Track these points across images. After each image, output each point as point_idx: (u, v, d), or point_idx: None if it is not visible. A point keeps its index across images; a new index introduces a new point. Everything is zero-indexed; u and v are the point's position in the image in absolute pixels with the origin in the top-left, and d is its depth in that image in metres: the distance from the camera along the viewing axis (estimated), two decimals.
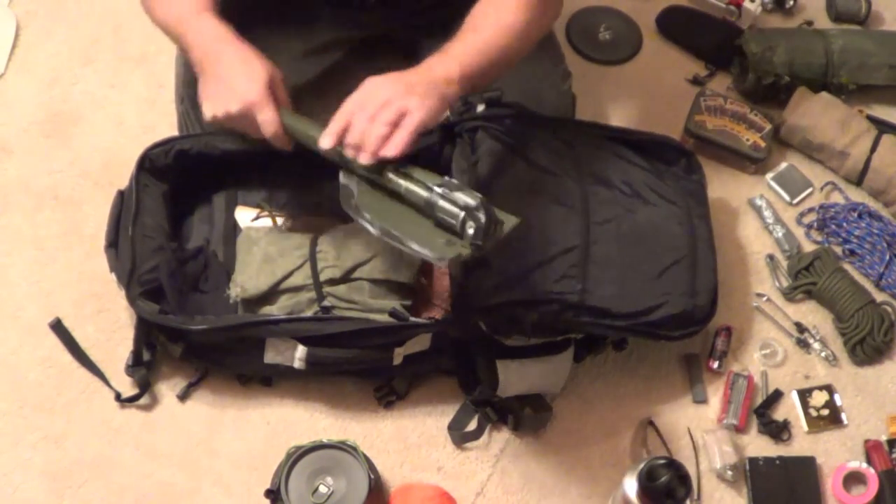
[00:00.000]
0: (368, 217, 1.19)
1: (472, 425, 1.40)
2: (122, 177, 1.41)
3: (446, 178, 1.19)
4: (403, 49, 1.65)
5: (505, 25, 1.28)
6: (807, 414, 1.46)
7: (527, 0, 1.30)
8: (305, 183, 1.48)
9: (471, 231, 1.14)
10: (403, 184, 1.20)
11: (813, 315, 1.55)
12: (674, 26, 1.83)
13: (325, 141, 1.21)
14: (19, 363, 1.39)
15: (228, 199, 1.46)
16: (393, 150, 1.16)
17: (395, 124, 1.17)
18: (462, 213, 1.15)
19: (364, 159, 1.18)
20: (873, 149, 1.64)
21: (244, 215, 1.45)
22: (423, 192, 1.18)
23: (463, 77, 1.23)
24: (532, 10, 1.30)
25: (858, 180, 1.67)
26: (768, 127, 1.67)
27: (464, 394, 1.41)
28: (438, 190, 1.17)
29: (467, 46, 1.26)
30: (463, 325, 1.30)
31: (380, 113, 1.17)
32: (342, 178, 1.25)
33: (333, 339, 1.30)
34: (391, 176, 1.21)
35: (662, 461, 1.21)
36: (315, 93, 1.62)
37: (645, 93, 1.75)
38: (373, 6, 1.52)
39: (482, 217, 1.14)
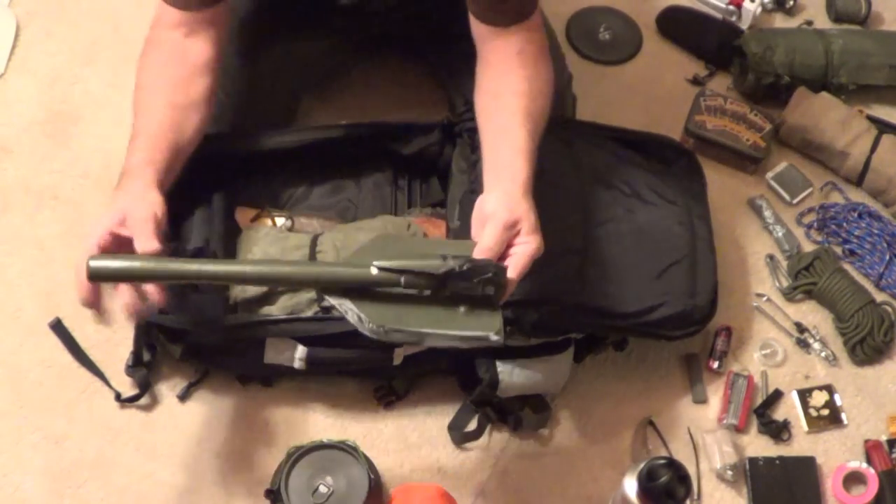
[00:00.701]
0: (409, 330, 1.09)
1: (472, 425, 1.40)
2: None
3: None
4: (406, 49, 1.65)
5: (525, 103, 1.22)
6: (807, 414, 1.46)
7: (522, 61, 1.24)
8: (305, 183, 1.48)
9: (490, 290, 1.09)
10: (405, 262, 1.10)
11: (813, 315, 1.55)
12: (674, 26, 1.83)
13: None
14: (19, 363, 1.39)
15: (228, 199, 1.46)
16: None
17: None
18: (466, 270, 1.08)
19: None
20: (873, 149, 1.64)
21: (244, 215, 1.45)
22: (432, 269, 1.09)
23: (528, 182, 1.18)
24: (532, 66, 1.25)
25: (858, 180, 1.67)
26: (768, 127, 1.67)
27: (464, 394, 1.41)
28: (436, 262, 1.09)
29: (521, 161, 1.18)
30: None
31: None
32: (338, 306, 1.11)
33: (333, 339, 1.30)
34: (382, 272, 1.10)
35: (662, 461, 1.21)
36: (318, 94, 1.62)
37: (645, 93, 1.75)
38: (376, 10, 1.52)
39: (476, 268, 1.09)
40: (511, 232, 1.12)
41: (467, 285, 1.09)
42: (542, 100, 1.25)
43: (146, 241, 1.09)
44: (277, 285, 1.13)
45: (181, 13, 1.27)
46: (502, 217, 1.11)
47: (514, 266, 1.11)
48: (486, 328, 1.10)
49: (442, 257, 1.09)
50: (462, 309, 1.10)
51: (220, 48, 1.30)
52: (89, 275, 1.06)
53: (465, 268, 1.08)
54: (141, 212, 1.11)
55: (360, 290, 1.09)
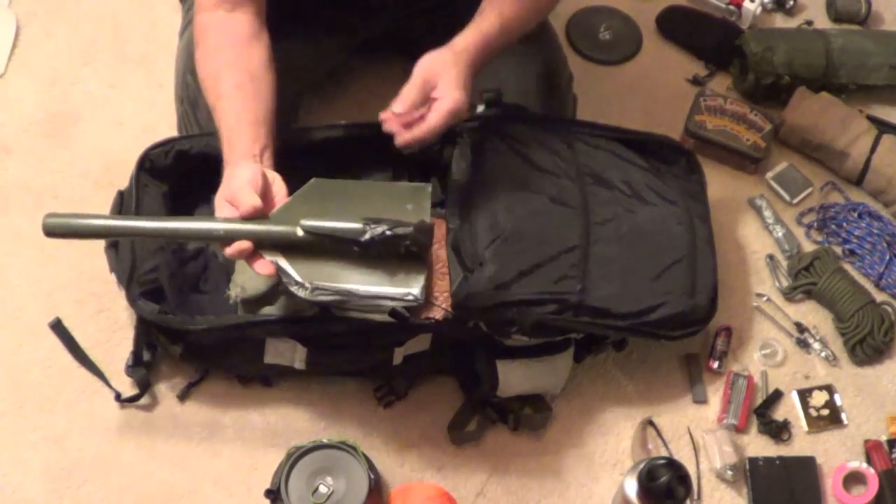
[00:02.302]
0: (335, 287, 1.16)
1: (472, 425, 1.40)
2: (122, 177, 1.41)
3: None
4: (406, 48, 1.65)
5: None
6: (807, 414, 1.46)
7: None
8: (305, 183, 1.47)
9: (414, 249, 1.16)
10: (327, 224, 1.15)
11: (813, 315, 1.55)
12: (674, 26, 1.83)
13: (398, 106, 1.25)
14: (19, 363, 1.39)
15: None
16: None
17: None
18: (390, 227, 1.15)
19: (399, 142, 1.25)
20: (873, 149, 1.64)
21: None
22: (354, 225, 1.15)
23: (475, 64, 1.29)
24: None
25: (858, 180, 1.67)
26: (768, 127, 1.67)
27: (464, 394, 1.41)
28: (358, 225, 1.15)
29: (496, 31, 1.31)
30: (463, 325, 1.30)
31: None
32: (271, 261, 1.15)
33: (333, 339, 1.31)
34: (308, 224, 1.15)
35: (662, 461, 1.21)
36: (318, 94, 1.62)
37: (645, 93, 1.75)
38: (378, 7, 1.52)
39: (390, 227, 1.15)
40: (426, 88, 1.25)
41: (393, 247, 1.15)
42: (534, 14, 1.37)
43: (246, 199, 1.13)
44: (212, 241, 1.20)
45: None
46: (417, 74, 1.25)
47: (428, 120, 1.23)
48: (409, 286, 1.17)
49: (366, 221, 1.14)
50: (390, 266, 1.17)
51: (263, 14, 1.33)
52: (45, 231, 1.13)
53: (387, 234, 1.14)
54: (234, 185, 1.15)
55: (293, 247, 1.14)
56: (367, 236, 1.14)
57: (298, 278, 1.13)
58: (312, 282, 1.14)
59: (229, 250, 1.13)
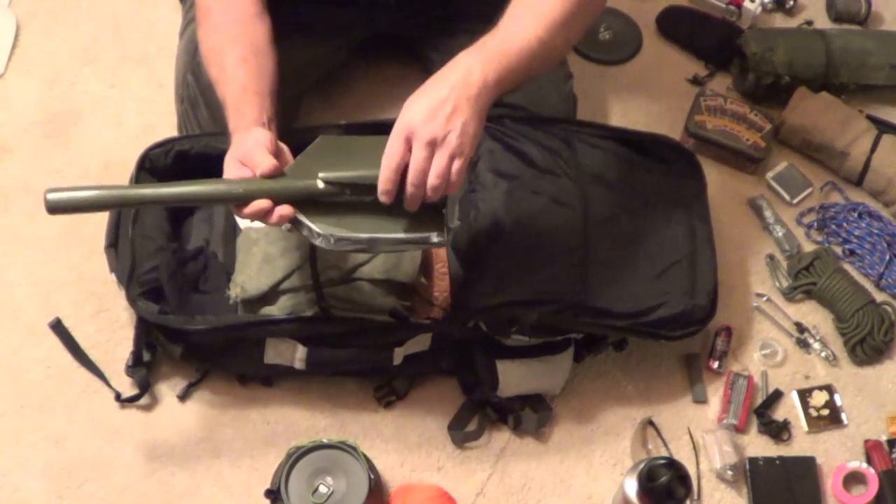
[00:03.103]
0: (357, 237, 1.12)
1: (472, 425, 1.40)
2: (122, 177, 1.41)
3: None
4: (406, 48, 1.65)
5: (546, 18, 1.17)
6: (807, 414, 1.46)
7: None
8: None
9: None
10: (348, 174, 1.12)
11: (813, 315, 1.55)
12: (674, 26, 1.83)
13: (383, 195, 1.10)
14: (19, 363, 1.39)
15: None
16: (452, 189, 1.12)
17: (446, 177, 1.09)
18: None
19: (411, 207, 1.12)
20: (873, 149, 1.64)
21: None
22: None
23: (499, 83, 1.12)
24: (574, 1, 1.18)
25: (858, 180, 1.67)
26: (768, 127, 1.67)
27: (464, 394, 1.41)
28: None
29: (504, 44, 1.14)
30: (463, 325, 1.30)
31: (432, 164, 1.09)
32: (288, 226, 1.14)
33: (333, 339, 1.31)
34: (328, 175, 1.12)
35: (662, 461, 1.21)
36: (318, 94, 1.62)
37: (645, 93, 1.75)
38: (378, 7, 1.52)
39: None
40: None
41: None
42: (567, 37, 1.21)
43: (262, 159, 1.09)
44: (229, 202, 1.14)
45: None
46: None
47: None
48: (430, 229, 1.13)
49: None
50: (407, 213, 1.13)
51: None
52: (47, 207, 1.05)
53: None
54: (247, 146, 1.12)
55: (308, 202, 1.12)
56: None
57: (320, 231, 1.11)
58: (334, 233, 1.11)
59: (248, 210, 1.09)
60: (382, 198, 1.10)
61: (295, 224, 1.12)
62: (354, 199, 1.13)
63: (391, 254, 1.34)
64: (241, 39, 1.26)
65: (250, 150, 1.12)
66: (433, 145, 1.07)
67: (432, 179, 1.08)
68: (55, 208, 1.05)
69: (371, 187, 1.10)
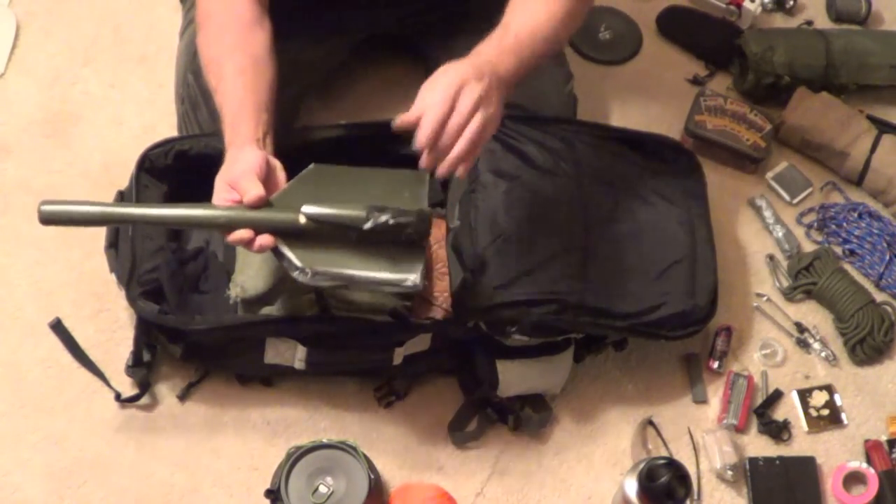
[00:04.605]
0: (334, 272, 1.14)
1: (472, 425, 1.40)
2: (122, 177, 1.41)
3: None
4: (407, 48, 1.65)
5: (553, 11, 1.23)
6: (807, 414, 1.46)
7: None
8: None
9: (413, 237, 1.15)
10: (330, 210, 1.14)
11: (813, 315, 1.55)
12: (674, 26, 1.83)
13: (425, 148, 1.12)
14: (19, 363, 1.39)
15: None
16: (463, 172, 1.15)
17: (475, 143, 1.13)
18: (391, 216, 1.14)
19: (441, 172, 1.14)
20: (873, 149, 1.64)
21: None
22: (355, 212, 1.14)
23: (515, 76, 1.19)
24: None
25: (858, 180, 1.67)
26: (768, 127, 1.67)
27: (464, 394, 1.41)
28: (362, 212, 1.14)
29: (517, 41, 1.20)
30: (463, 325, 1.30)
31: (463, 130, 1.12)
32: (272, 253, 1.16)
33: (333, 339, 1.31)
34: (311, 211, 1.14)
35: (662, 461, 1.21)
36: (318, 94, 1.62)
37: (645, 93, 1.75)
38: (378, 6, 1.52)
39: (393, 214, 1.14)
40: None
41: (392, 234, 1.14)
42: (565, 31, 1.27)
43: (249, 186, 1.11)
44: (213, 229, 1.18)
45: None
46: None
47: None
48: (409, 272, 1.16)
49: (370, 209, 1.14)
50: (389, 252, 1.16)
51: (266, 1, 1.31)
52: (40, 218, 1.10)
53: (389, 222, 1.14)
54: (237, 170, 1.14)
55: (291, 234, 1.14)
56: (369, 224, 1.14)
57: (298, 263, 1.13)
58: (312, 267, 1.13)
59: (230, 238, 1.11)
60: (424, 153, 1.12)
61: (276, 253, 1.14)
62: (337, 233, 1.15)
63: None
64: (239, 48, 1.26)
65: (239, 175, 1.13)
66: (479, 102, 1.11)
67: (468, 135, 1.11)
68: (48, 220, 1.10)
69: (352, 227, 1.14)
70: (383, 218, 1.14)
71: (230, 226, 1.11)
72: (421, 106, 1.11)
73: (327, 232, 1.15)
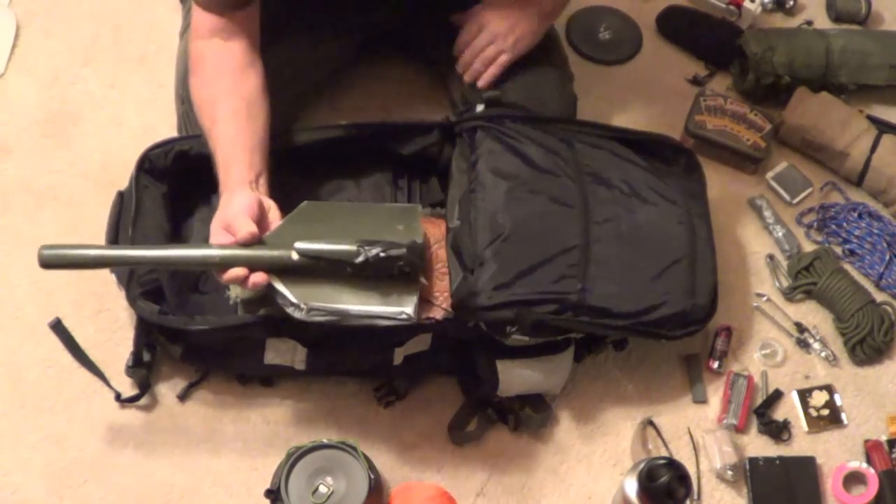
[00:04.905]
0: (330, 308, 1.17)
1: (472, 425, 1.40)
2: (122, 177, 1.41)
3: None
4: (406, 48, 1.65)
5: None
6: (807, 414, 1.46)
7: None
8: (304, 183, 1.47)
9: (406, 269, 1.19)
10: (321, 246, 1.17)
11: (813, 315, 1.55)
12: (674, 26, 1.83)
13: (460, 61, 1.52)
14: (19, 363, 1.39)
15: None
16: (484, 83, 1.50)
17: (492, 62, 1.50)
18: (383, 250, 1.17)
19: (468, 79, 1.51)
20: (873, 149, 1.64)
21: None
22: (346, 247, 1.17)
23: (549, 15, 1.53)
24: None
25: (858, 180, 1.67)
26: (768, 127, 1.67)
27: (464, 394, 1.41)
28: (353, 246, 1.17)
29: None
30: (463, 325, 1.30)
31: (483, 52, 1.50)
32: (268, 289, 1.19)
33: (333, 339, 1.31)
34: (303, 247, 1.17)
35: (662, 461, 1.21)
36: (318, 94, 1.62)
37: (645, 93, 1.75)
38: (381, 6, 1.53)
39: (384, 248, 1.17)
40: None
41: (385, 267, 1.17)
42: None
43: (242, 226, 1.15)
44: (208, 268, 1.21)
45: (217, 18, 1.30)
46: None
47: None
48: (402, 305, 1.19)
49: (360, 244, 1.16)
50: (383, 285, 1.19)
51: (257, 41, 1.34)
52: (40, 262, 1.14)
53: (381, 255, 1.16)
54: (230, 213, 1.18)
55: (285, 270, 1.16)
56: (361, 258, 1.16)
57: (294, 299, 1.16)
58: (307, 302, 1.16)
59: (226, 277, 1.15)
60: (460, 66, 1.52)
61: (270, 290, 1.16)
62: (331, 269, 1.17)
63: None
64: (232, 91, 1.29)
65: (233, 217, 1.17)
66: (495, 36, 1.48)
67: (481, 58, 1.49)
68: (48, 264, 1.14)
69: (344, 262, 1.16)
70: (374, 251, 1.16)
71: (224, 265, 1.14)
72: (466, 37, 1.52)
73: (321, 267, 1.17)
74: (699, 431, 1.43)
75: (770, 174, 1.67)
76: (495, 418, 1.40)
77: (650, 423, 1.43)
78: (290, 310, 1.16)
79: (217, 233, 1.18)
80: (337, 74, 1.63)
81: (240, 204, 1.18)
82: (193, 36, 1.33)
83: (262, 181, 1.24)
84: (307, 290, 1.16)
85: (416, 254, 1.21)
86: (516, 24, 1.49)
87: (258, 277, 1.14)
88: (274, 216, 1.21)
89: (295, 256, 1.16)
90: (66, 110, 1.62)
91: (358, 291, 1.18)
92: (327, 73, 1.59)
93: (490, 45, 1.49)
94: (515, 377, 1.34)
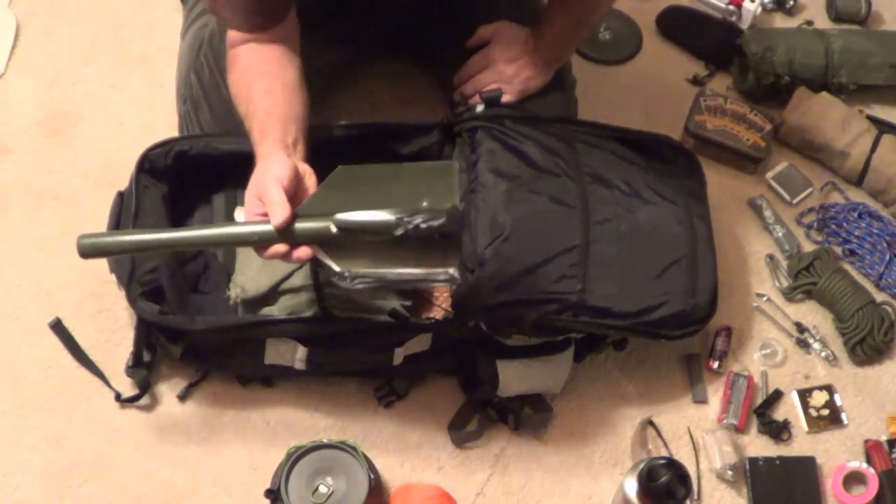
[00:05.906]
0: (374, 273, 1.15)
1: (472, 425, 1.40)
2: (122, 177, 1.41)
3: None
4: (407, 48, 1.65)
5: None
6: (807, 414, 1.46)
7: None
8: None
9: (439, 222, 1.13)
10: (361, 218, 1.14)
11: (813, 315, 1.55)
12: (674, 26, 1.83)
13: (458, 78, 1.52)
14: (19, 363, 1.39)
15: (228, 200, 1.46)
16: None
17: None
18: (424, 215, 1.13)
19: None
20: (873, 149, 1.64)
21: (244, 216, 1.44)
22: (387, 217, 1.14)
23: (555, 61, 1.51)
24: None
25: (858, 180, 1.67)
26: (768, 127, 1.67)
27: (464, 394, 1.41)
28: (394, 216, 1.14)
29: (562, 30, 1.49)
30: (463, 325, 1.30)
31: (485, 87, 1.48)
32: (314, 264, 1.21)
33: (333, 339, 1.31)
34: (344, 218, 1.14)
35: (662, 461, 1.21)
36: (318, 95, 1.62)
37: (645, 93, 1.75)
38: (382, 11, 1.52)
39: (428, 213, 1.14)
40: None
41: (425, 234, 1.13)
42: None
43: (276, 209, 1.10)
44: (248, 246, 1.18)
45: (250, 36, 1.28)
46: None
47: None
48: (445, 266, 1.16)
49: (399, 215, 1.11)
50: (425, 246, 1.15)
51: (297, 47, 1.31)
52: (80, 252, 1.13)
53: (420, 226, 1.12)
54: (264, 182, 1.13)
55: (325, 242, 1.14)
56: (400, 230, 1.12)
57: (337, 268, 1.13)
58: (351, 270, 1.13)
59: (266, 254, 1.12)
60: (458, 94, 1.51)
61: (315, 262, 1.14)
62: (370, 238, 1.14)
63: None
64: (268, 75, 1.26)
65: (266, 187, 1.12)
66: (499, 76, 1.49)
67: (482, 93, 1.47)
68: (86, 254, 1.13)
69: (383, 231, 1.12)
70: (413, 223, 1.12)
71: (262, 242, 1.12)
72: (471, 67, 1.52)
73: (360, 238, 1.14)
74: (699, 431, 1.43)
75: (770, 174, 1.67)
76: (495, 418, 1.40)
77: (650, 423, 1.43)
78: (334, 278, 1.14)
79: (251, 201, 1.14)
80: (341, 76, 1.63)
81: (275, 174, 1.12)
82: (228, 46, 1.30)
83: (300, 147, 1.20)
84: (349, 257, 1.14)
85: (456, 220, 1.15)
86: (523, 69, 1.48)
87: (302, 252, 1.11)
88: (310, 182, 1.17)
89: (334, 229, 1.13)
90: (67, 110, 1.62)
91: (400, 255, 1.15)
92: (331, 75, 1.59)
93: (493, 83, 1.48)
94: (515, 377, 1.34)
